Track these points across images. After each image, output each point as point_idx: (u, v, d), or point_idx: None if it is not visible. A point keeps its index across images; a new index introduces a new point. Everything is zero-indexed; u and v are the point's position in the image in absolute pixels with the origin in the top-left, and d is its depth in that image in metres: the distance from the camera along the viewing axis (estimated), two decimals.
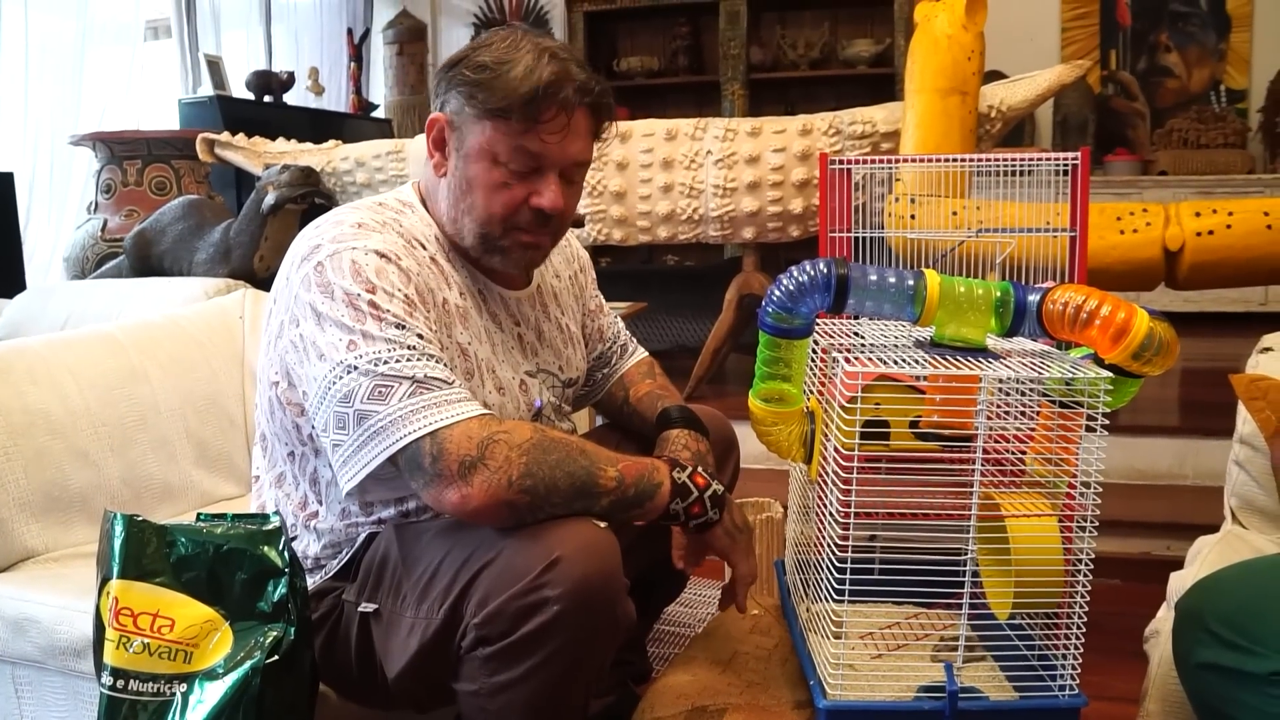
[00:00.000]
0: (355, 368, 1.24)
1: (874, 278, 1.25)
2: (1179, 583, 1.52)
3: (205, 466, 1.96)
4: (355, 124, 5.96)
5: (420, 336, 1.28)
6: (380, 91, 6.60)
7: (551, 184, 1.36)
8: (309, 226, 1.39)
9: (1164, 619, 1.46)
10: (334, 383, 1.25)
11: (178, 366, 1.99)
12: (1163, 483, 3.00)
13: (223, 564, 1.27)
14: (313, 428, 1.33)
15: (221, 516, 1.32)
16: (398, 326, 1.27)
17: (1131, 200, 5.28)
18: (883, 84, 6.06)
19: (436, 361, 1.27)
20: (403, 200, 1.47)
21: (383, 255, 1.31)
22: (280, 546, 1.28)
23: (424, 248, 1.40)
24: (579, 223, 3.59)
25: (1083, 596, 1.23)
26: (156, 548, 1.26)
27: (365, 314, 1.26)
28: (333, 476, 1.36)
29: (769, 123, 3.51)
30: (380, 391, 1.23)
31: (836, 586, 1.23)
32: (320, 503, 1.43)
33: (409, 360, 1.25)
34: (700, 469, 1.37)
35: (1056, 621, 1.27)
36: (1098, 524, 1.22)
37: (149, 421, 1.88)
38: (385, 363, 1.24)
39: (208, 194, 4.29)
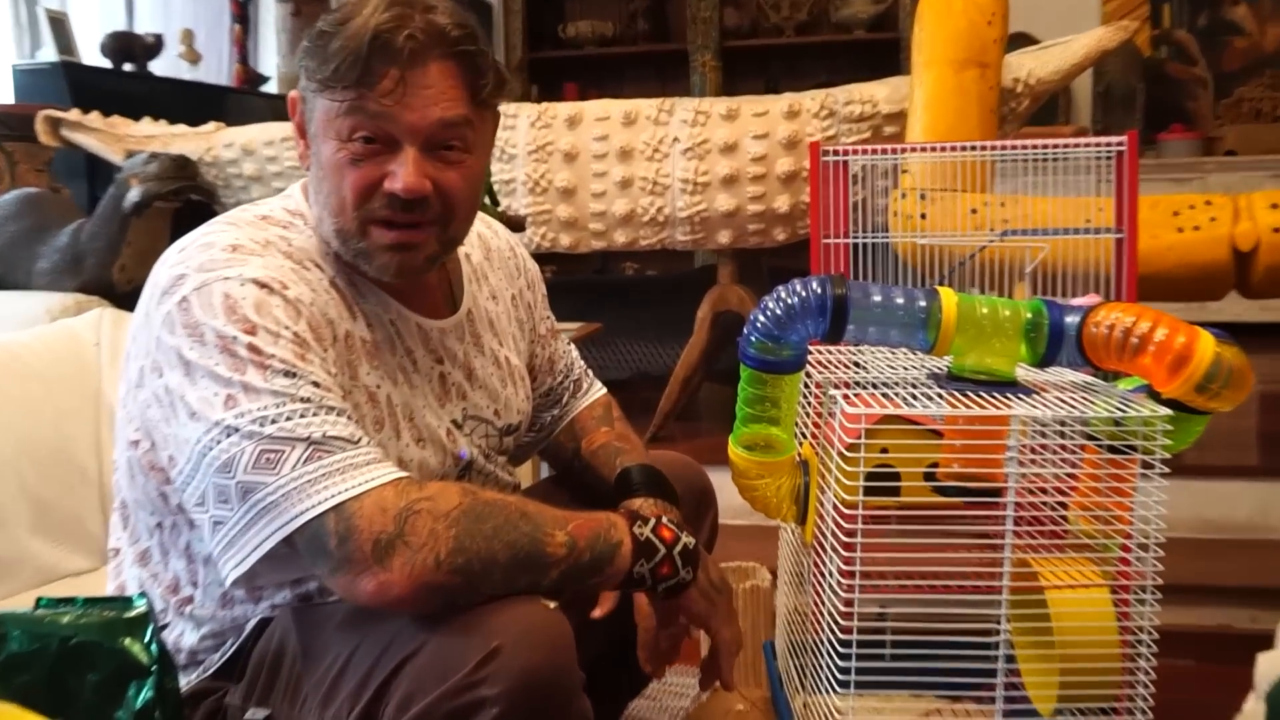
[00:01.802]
0: (236, 429, 1.23)
1: (878, 299, 1.26)
2: (1269, 665, 1.52)
3: (47, 534, 1.93)
4: (241, 101, 5.93)
5: (316, 384, 1.27)
6: (271, 60, 6.57)
7: (408, 161, 1.34)
8: (171, 250, 1.37)
9: (1252, 713, 1.46)
10: (210, 448, 1.24)
11: (11, 407, 1.96)
12: (1242, 537, 3.01)
13: (69, 663, 1.24)
14: (182, 499, 1.31)
15: (69, 601, 1.30)
16: (286, 374, 1.25)
17: (1192, 189, 5.36)
18: (885, 53, 6.13)
19: (338, 415, 1.26)
20: (290, 209, 1.45)
21: (263, 285, 1.30)
22: (146, 638, 1.26)
23: (319, 268, 1.39)
24: (518, 226, 3.59)
25: (1146, 683, 1.24)
26: None
27: (245, 361, 1.25)
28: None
29: (748, 103, 3.54)
30: (268, 458, 1.22)
31: (840, 675, 1.23)
32: (195, 585, 1.41)
33: (302, 416, 1.24)
34: (665, 519, 1.37)
35: (1114, 714, 1.28)
36: (1160, 592, 1.23)
37: None
38: (273, 421, 1.23)
39: (50, 186, 4.25)
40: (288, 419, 1.23)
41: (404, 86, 1.32)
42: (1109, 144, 2.34)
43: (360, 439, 1.26)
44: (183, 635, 1.42)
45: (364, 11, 1.32)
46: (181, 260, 1.34)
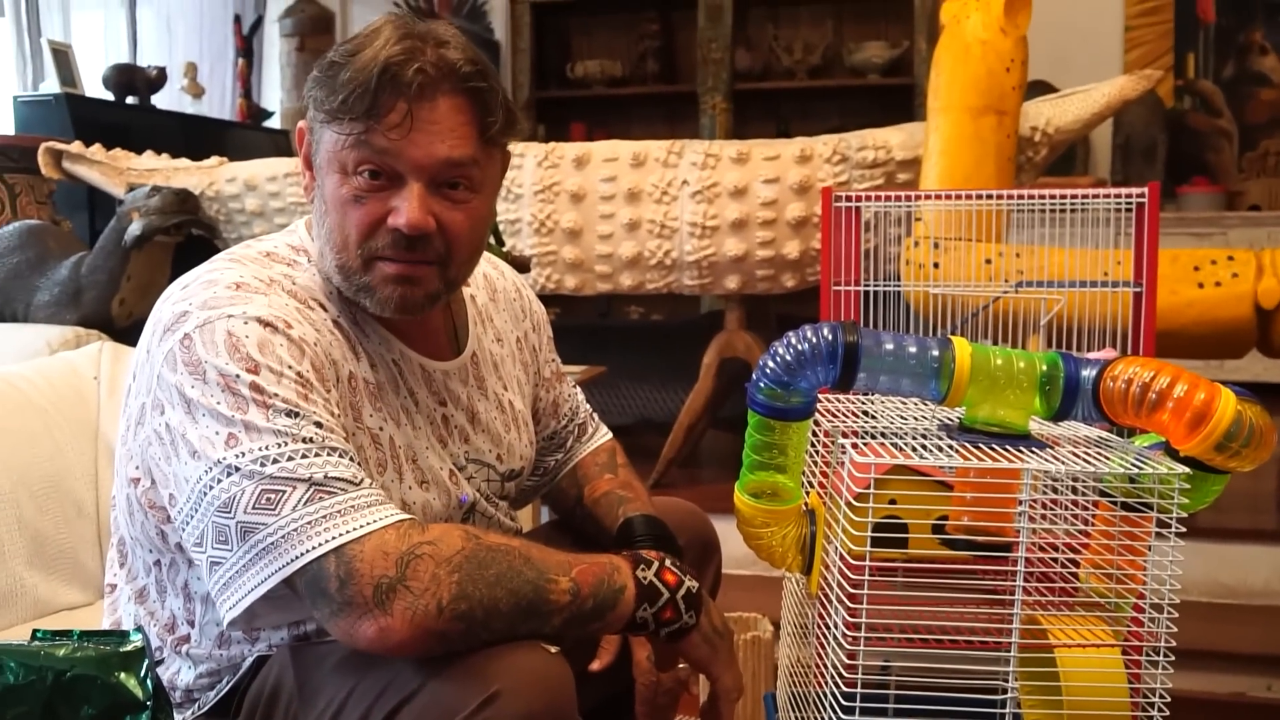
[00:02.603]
0: (237, 468, 1.24)
1: (890, 347, 1.27)
2: None
3: (42, 567, 1.94)
4: (244, 136, 5.98)
5: (318, 425, 1.27)
6: (275, 95, 6.63)
7: (411, 197, 1.34)
8: (174, 286, 1.39)
9: None
10: (211, 487, 1.24)
11: (9, 439, 1.97)
12: (1259, 602, 2.99)
13: (64, 696, 1.24)
14: (181, 538, 1.32)
15: (65, 633, 1.30)
16: (289, 414, 1.26)
17: (1213, 244, 5.33)
18: (899, 98, 6.15)
19: (340, 456, 1.27)
20: (294, 245, 1.47)
21: (267, 324, 1.31)
22: (142, 673, 1.27)
23: (323, 308, 1.40)
24: (523, 266, 3.61)
25: None
26: None
27: (247, 400, 1.26)
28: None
29: (759, 146, 3.56)
30: (269, 498, 1.23)
31: None
32: (193, 624, 1.42)
33: (304, 457, 1.25)
34: (668, 562, 1.38)
35: None
36: (1173, 655, 1.23)
37: None
38: (274, 461, 1.24)
39: (51, 218, 4.28)
40: (289, 459, 1.24)
41: (411, 120, 1.32)
42: (1129, 195, 2.36)
43: (362, 480, 1.27)
44: (179, 673, 1.43)
45: (375, 43, 1.33)
46: (184, 297, 1.34)
